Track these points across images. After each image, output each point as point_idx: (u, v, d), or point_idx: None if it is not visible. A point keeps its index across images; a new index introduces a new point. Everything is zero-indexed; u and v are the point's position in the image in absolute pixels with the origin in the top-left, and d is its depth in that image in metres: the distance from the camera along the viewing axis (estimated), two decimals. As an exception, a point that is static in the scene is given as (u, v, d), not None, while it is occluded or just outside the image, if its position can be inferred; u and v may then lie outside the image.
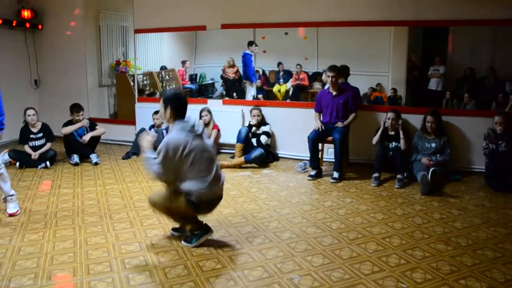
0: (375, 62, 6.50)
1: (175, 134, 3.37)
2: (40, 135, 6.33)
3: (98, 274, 3.14)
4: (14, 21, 7.71)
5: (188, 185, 3.38)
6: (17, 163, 6.19)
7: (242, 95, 7.24)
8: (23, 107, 6.57)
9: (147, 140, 3.52)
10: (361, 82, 6.40)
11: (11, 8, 7.75)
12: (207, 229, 3.63)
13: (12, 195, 4.34)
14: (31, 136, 6.26)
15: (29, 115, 6.26)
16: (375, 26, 6.02)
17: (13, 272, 3.17)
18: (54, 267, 3.25)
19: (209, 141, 3.63)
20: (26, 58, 8.20)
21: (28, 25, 7.94)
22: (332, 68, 5.61)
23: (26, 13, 7.80)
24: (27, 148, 6.25)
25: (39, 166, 6.13)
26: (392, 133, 5.61)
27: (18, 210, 4.35)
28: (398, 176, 5.22)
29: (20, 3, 7.81)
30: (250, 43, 6.96)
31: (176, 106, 3.45)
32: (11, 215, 4.27)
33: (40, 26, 8.16)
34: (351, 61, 6.31)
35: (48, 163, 6.18)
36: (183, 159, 3.33)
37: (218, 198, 3.63)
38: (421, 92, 6.26)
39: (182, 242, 3.63)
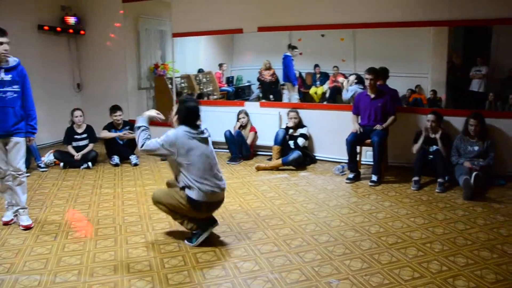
0: (414, 64, 6.38)
1: (173, 131, 3.63)
2: (84, 136, 6.54)
3: (138, 272, 3.21)
4: (59, 28, 8.01)
5: (189, 186, 3.53)
6: (61, 164, 6.40)
7: (278, 97, 7.24)
8: (66, 110, 6.79)
9: (153, 112, 3.98)
10: (399, 84, 6.28)
11: (56, 15, 8.05)
12: (206, 227, 3.71)
13: (26, 208, 4.17)
14: (76, 136, 6.47)
15: (76, 116, 6.49)
16: (415, 27, 5.90)
17: (58, 268, 3.29)
18: (96, 264, 3.34)
19: (211, 147, 3.79)
20: (70, 62, 8.49)
21: (71, 31, 8.22)
22: (371, 70, 5.54)
23: (69, 20, 8.08)
24: (70, 149, 6.45)
25: (82, 167, 6.33)
26: (433, 136, 5.48)
27: (32, 223, 4.12)
28: (439, 180, 5.09)
29: (64, 10, 8.11)
30: (291, 47, 6.97)
31: (183, 115, 3.67)
32: (27, 227, 4.04)
33: (82, 32, 8.43)
34: (389, 62, 6.21)
35: (90, 163, 6.37)
36: (180, 157, 3.52)
37: (219, 201, 3.72)
38: (463, 93, 6.09)
39: (185, 241, 3.72)
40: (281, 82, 7.24)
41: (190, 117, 3.66)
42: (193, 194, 3.51)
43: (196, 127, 3.66)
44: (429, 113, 5.50)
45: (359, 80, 6.47)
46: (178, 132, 3.58)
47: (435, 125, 5.43)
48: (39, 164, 6.27)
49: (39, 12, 7.74)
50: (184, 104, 3.70)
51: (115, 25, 8.17)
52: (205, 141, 3.66)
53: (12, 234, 3.94)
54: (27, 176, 5.76)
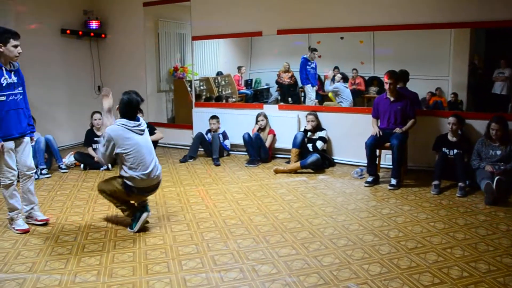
0: (434, 66, 6.28)
1: (109, 128, 4.00)
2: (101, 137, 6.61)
3: (156, 274, 3.23)
4: (80, 31, 8.15)
5: (126, 172, 3.94)
6: (82, 165, 6.49)
7: (297, 100, 7.23)
8: (87, 112, 6.90)
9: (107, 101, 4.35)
10: (419, 86, 6.20)
11: (78, 19, 8.20)
12: (141, 211, 4.07)
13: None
14: (95, 139, 6.55)
15: (95, 119, 6.59)
16: (435, 29, 5.83)
17: (78, 268, 3.33)
18: (115, 265, 3.37)
19: (147, 137, 4.19)
20: (91, 65, 8.63)
21: (92, 34, 8.35)
22: (390, 75, 5.49)
23: (93, 24, 8.22)
24: (90, 151, 6.55)
25: (102, 168, 6.41)
26: (454, 139, 5.41)
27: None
28: (460, 184, 5.02)
29: (86, 14, 8.26)
30: (311, 49, 6.99)
31: (122, 108, 4.07)
32: (46, 221, 4.25)
33: (103, 35, 8.56)
34: (409, 65, 6.14)
35: (110, 165, 6.44)
36: (118, 148, 3.91)
37: (150, 187, 4.09)
38: (485, 96, 5.99)
39: (128, 228, 4.09)
40: (299, 85, 7.23)
41: (128, 110, 4.05)
42: (127, 180, 3.94)
43: (134, 119, 4.05)
44: (450, 116, 5.43)
45: (344, 79, 6.84)
46: (113, 127, 3.97)
47: (456, 128, 5.35)
48: (60, 165, 6.37)
49: (62, 17, 7.91)
50: (124, 97, 4.08)
51: (131, 32, 8.26)
52: (141, 132, 4.06)
53: (34, 234, 4.01)
54: (49, 177, 5.90)
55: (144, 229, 4.10)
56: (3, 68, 3.85)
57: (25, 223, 4.15)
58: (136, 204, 4.23)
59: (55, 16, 7.78)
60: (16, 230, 4.06)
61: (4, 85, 3.84)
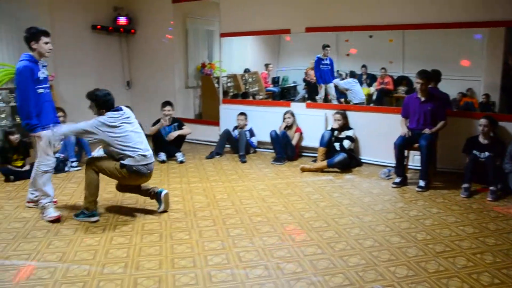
0: (466, 66, 6.15)
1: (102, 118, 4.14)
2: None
3: (182, 268, 3.26)
4: (111, 27, 8.28)
5: (124, 154, 4.13)
6: (110, 159, 6.60)
7: (324, 98, 7.19)
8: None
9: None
10: (450, 86, 6.08)
11: (108, 16, 8.34)
12: (93, 214, 4.20)
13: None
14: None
15: None
16: (468, 28, 5.70)
17: (106, 260, 3.40)
18: (142, 258, 3.43)
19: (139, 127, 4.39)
20: (120, 61, 8.77)
21: (122, 30, 8.48)
22: (422, 75, 5.38)
23: (121, 20, 8.35)
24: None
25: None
26: (485, 141, 5.28)
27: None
28: (491, 188, 4.90)
29: (116, 10, 8.39)
30: (323, 46, 6.99)
31: (105, 104, 4.22)
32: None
33: (133, 31, 8.67)
34: (440, 64, 6.01)
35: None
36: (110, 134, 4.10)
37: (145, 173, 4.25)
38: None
39: (73, 215, 4.29)
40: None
41: (109, 103, 4.24)
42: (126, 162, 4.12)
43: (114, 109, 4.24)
44: (481, 118, 5.31)
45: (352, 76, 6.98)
46: (102, 119, 4.14)
47: (488, 130, 5.23)
48: (90, 158, 6.48)
49: (93, 13, 8.06)
50: (98, 93, 4.23)
51: (161, 29, 8.35)
52: (129, 121, 4.27)
53: (64, 225, 4.11)
54: (79, 169, 6.02)
55: (170, 224, 4.15)
56: (39, 63, 4.19)
57: (55, 211, 4.28)
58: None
59: (86, 12, 7.93)
60: (49, 217, 4.20)
61: (41, 78, 4.20)
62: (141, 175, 4.23)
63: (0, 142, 5.97)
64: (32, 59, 4.13)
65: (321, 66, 7.09)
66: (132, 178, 4.23)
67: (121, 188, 4.58)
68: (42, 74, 4.20)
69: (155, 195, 4.48)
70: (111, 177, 4.25)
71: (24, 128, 4.24)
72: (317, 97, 7.17)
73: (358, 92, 6.88)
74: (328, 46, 6.97)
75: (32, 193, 4.54)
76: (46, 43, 4.16)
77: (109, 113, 4.14)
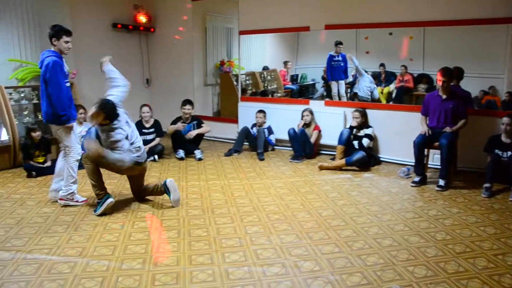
0: (487, 63, 6.01)
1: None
2: (152, 130, 6.79)
3: (199, 265, 3.28)
4: (130, 26, 8.36)
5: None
6: (130, 156, 6.67)
7: (327, 95, 7.16)
8: (135, 104, 7.08)
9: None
10: (471, 84, 5.97)
11: (128, 14, 8.42)
12: (107, 197, 4.31)
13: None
14: (143, 130, 6.72)
15: (143, 112, 6.77)
16: (490, 24, 5.59)
17: (124, 255, 3.44)
18: (160, 254, 3.45)
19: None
20: (140, 59, 8.85)
21: (142, 28, 8.55)
22: (444, 73, 5.30)
23: (141, 18, 8.42)
24: (138, 142, 6.72)
25: (148, 159, 6.55)
26: (508, 140, 5.18)
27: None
28: (514, 187, 4.82)
29: (136, 9, 8.47)
30: (335, 43, 6.99)
31: (113, 112, 4.43)
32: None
33: (152, 29, 8.74)
34: (461, 62, 5.91)
35: (156, 156, 6.59)
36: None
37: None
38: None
39: (92, 212, 4.35)
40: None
41: (110, 116, 4.39)
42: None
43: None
44: (504, 116, 5.21)
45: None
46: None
47: (511, 129, 5.13)
48: (110, 155, 6.56)
49: (113, 11, 8.14)
50: (108, 105, 4.40)
51: (184, 22, 8.40)
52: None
53: (84, 220, 4.17)
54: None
55: (188, 220, 4.18)
56: (63, 59, 4.45)
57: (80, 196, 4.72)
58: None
59: (107, 10, 8.03)
60: (81, 201, 4.64)
61: (67, 73, 4.51)
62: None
63: (22, 138, 6.07)
64: (58, 54, 4.37)
65: (332, 63, 7.08)
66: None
67: (137, 196, 4.80)
68: (66, 69, 4.49)
69: (162, 187, 4.59)
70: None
71: (59, 119, 4.40)
72: (333, 94, 7.13)
73: (363, 86, 6.82)
74: (340, 43, 6.95)
75: (55, 184, 4.74)
76: (66, 42, 4.39)
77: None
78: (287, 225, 4.05)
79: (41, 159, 5.86)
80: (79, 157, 4.62)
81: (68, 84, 4.52)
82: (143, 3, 8.59)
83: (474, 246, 3.61)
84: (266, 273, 3.16)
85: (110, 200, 4.30)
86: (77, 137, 4.72)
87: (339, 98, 7.10)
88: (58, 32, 4.35)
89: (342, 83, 7.13)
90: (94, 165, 4.33)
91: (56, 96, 4.32)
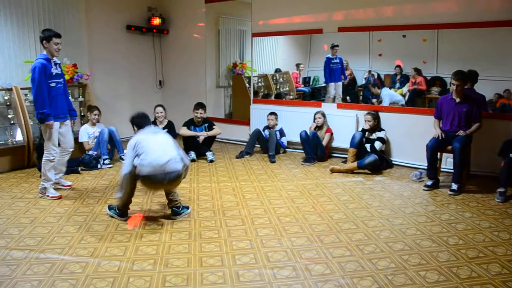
0: (502, 66, 5.93)
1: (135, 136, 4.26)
2: (165, 131, 6.79)
3: (210, 267, 3.28)
4: (144, 28, 8.43)
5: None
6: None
7: (355, 99, 7.12)
8: (149, 105, 7.15)
9: None
10: (486, 87, 5.91)
11: (142, 16, 8.49)
12: (124, 216, 4.29)
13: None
14: (157, 131, 6.77)
15: (157, 112, 6.84)
16: (505, 27, 5.52)
17: (136, 256, 3.46)
18: (171, 256, 3.47)
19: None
20: (153, 60, 8.91)
21: (155, 30, 8.62)
22: (458, 76, 5.24)
23: (155, 21, 8.50)
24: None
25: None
26: (523, 144, 5.12)
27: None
28: (528, 192, 4.75)
29: (150, 11, 8.53)
30: (331, 46, 7.07)
31: (134, 123, 4.47)
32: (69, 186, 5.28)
33: (165, 31, 8.80)
34: (475, 64, 5.85)
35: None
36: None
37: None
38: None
39: (106, 208, 4.43)
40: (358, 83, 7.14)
41: (139, 125, 4.44)
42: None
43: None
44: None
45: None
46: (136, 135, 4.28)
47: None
48: (121, 156, 6.61)
49: (127, 13, 8.22)
50: (133, 119, 4.49)
51: (198, 24, 8.45)
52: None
53: (96, 221, 4.20)
54: (111, 167, 6.15)
55: (199, 222, 4.19)
56: (51, 61, 4.79)
57: (56, 191, 5.00)
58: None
59: (122, 13, 8.10)
60: (51, 197, 4.89)
61: (53, 74, 4.79)
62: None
63: (37, 139, 6.14)
64: (46, 57, 4.73)
65: (331, 65, 7.12)
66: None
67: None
68: (54, 70, 4.81)
69: (177, 208, 4.37)
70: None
71: (37, 117, 4.74)
72: (374, 101, 7.09)
73: (385, 96, 6.84)
74: (336, 45, 7.05)
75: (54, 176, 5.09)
76: (56, 43, 4.73)
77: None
78: (298, 228, 4.05)
79: (54, 159, 5.91)
80: (52, 159, 4.89)
81: (54, 84, 4.78)
82: (157, 6, 8.65)
83: (488, 251, 3.57)
84: (276, 275, 3.15)
85: (124, 219, 4.27)
86: (57, 139, 4.92)
87: (334, 100, 7.18)
88: (48, 36, 4.69)
89: (339, 84, 7.19)
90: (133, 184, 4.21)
91: (34, 96, 4.67)
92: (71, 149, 5.22)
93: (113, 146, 6.61)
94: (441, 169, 5.73)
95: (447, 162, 5.81)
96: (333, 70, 7.14)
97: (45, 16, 6.72)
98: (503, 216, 4.38)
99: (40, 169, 5.75)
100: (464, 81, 5.31)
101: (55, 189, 5.07)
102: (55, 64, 4.86)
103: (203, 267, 3.28)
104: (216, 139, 7.34)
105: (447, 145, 5.34)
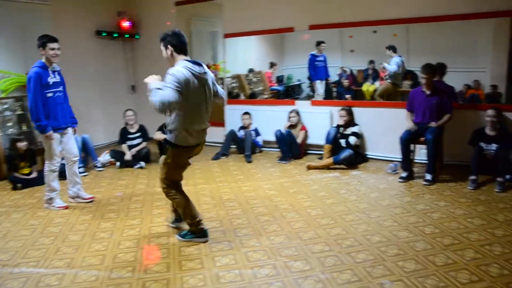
0: (471, 58, 6.07)
1: (177, 69, 3.40)
2: (137, 135, 6.78)
3: (189, 270, 3.26)
4: (114, 33, 8.32)
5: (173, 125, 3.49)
6: (117, 163, 6.64)
7: (329, 95, 7.17)
8: (121, 111, 7.05)
9: (154, 78, 3.58)
10: (455, 79, 6.02)
11: (112, 21, 8.38)
12: (203, 235, 3.76)
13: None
14: (129, 136, 6.71)
15: (128, 116, 6.77)
16: (473, 19, 5.65)
17: (114, 264, 3.41)
18: (150, 261, 3.43)
19: (218, 89, 3.91)
20: (124, 65, 8.81)
21: (126, 35, 8.51)
22: (426, 70, 5.35)
23: (125, 24, 8.38)
24: (124, 148, 6.72)
25: (135, 167, 6.53)
26: (492, 133, 5.23)
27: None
28: (499, 179, 4.85)
29: (119, 15, 8.43)
30: (317, 43, 7.05)
31: (174, 43, 3.59)
32: (91, 199, 5.00)
33: (137, 36, 8.71)
34: (445, 57, 5.96)
35: (143, 163, 6.56)
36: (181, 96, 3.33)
37: (193, 147, 3.65)
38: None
39: (176, 236, 3.86)
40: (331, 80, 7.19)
41: (181, 45, 3.65)
42: (173, 130, 3.51)
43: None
44: (489, 109, 5.26)
45: (394, 50, 6.53)
46: (179, 69, 3.42)
47: (496, 121, 5.19)
48: (96, 164, 6.53)
49: (96, 18, 8.09)
50: (170, 34, 3.66)
51: (167, 23, 8.35)
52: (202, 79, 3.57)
53: (72, 231, 4.13)
54: (85, 175, 6.06)
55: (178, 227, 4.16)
56: (49, 69, 4.53)
57: (63, 201, 4.83)
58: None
59: (90, 18, 7.97)
60: (58, 207, 4.76)
61: (51, 83, 4.54)
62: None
63: (7, 150, 6.01)
64: (43, 65, 4.49)
65: (316, 63, 7.13)
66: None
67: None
68: (52, 79, 4.54)
69: (173, 222, 4.11)
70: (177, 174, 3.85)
71: (36, 129, 4.59)
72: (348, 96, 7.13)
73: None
74: (323, 42, 7.03)
75: (70, 190, 4.99)
76: (52, 48, 4.47)
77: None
78: (276, 226, 4.05)
79: (26, 171, 5.78)
80: (55, 169, 4.71)
81: (51, 94, 4.54)
82: (126, 10, 8.55)
83: (462, 238, 3.64)
84: (257, 275, 3.15)
85: (205, 240, 3.77)
86: (59, 149, 4.70)
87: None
88: (43, 42, 4.45)
89: (324, 82, 7.19)
90: (180, 194, 3.80)
91: (30, 107, 4.47)
92: (75, 158, 4.91)
93: (87, 154, 6.51)
94: (415, 161, 5.82)
95: (420, 153, 5.90)
96: (317, 67, 7.15)
97: (11, 23, 6.57)
98: (475, 203, 4.47)
99: (12, 181, 5.65)
100: (433, 74, 5.40)
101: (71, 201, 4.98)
102: (54, 71, 4.60)
103: (182, 271, 3.25)
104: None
105: (419, 137, 5.43)
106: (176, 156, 3.64)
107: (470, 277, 2.98)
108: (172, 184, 3.77)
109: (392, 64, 6.57)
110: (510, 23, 5.56)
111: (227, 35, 7.74)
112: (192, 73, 3.42)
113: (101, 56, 8.23)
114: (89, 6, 7.94)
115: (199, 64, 3.54)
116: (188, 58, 3.57)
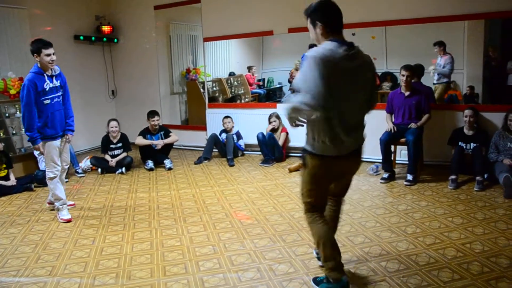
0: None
1: (317, 49, 2.54)
2: (119, 145, 6.67)
3: (174, 275, 3.24)
4: (93, 37, 8.22)
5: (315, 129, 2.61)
6: (99, 169, 6.55)
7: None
8: (102, 116, 6.97)
9: None
10: (433, 80, 6.14)
11: (90, 25, 8.29)
12: (343, 284, 2.74)
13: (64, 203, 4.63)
14: (111, 146, 6.62)
15: (111, 127, 6.63)
16: (448, 21, 5.75)
17: (97, 271, 3.36)
18: (133, 267, 3.40)
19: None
20: (104, 70, 8.71)
21: (105, 39, 8.43)
22: (407, 67, 5.44)
23: (104, 29, 8.29)
24: (107, 157, 6.62)
25: (117, 172, 6.46)
26: (470, 132, 5.33)
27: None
28: (478, 178, 4.94)
29: (98, 20, 8.34)
30: (311, 46, 6.98)
31: (326, 20, 2.61)
32: (68, 220, 4.51)
33: (116, 40, 8.63)
34: (422, 59, 6.09)
35: (124, 169, 6.49)
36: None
37: (342, 157, 2.75)
38: (500, 88, 5.90)
39: (312, 284, 3.00)
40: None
41: (335, 22, 2.61)
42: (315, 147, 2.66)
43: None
44: (466, 109, 5.36)
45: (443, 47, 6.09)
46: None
47: (473, 120, 5.29)
48: (77, 170, 6.44)
49: (75, 23, 7.98)
50: (321, 7, 2.67)
51: (148, 31, 8.32)
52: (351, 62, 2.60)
53: (53, 238, 4.06)
54: (66, 181, 5.96)
55: (160, 231, 4.13)
56: (45, 75, 4.34)
57: (68, 213, 4.57)
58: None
59: (68, 22, 7.86)
60: (61, 219, 4.52)
61: (47, 89, 4.35)
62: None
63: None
64: (39, 71, 4.32)
65: None
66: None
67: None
68: (48, 85, 4.35)
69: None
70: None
71: (28, 140, 4.45)
72: None
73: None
74: (315, 45, 6.99)
75: (51, 196, 4.74)
76: (47, 55, 4.28)
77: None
78: (260, 229, 4.05)
79: (3, 173, 5.66)
80: (54, 176, 4.51)
81: (48, 101, 4.37)
82: (105, 14, 8.47)
83: (443, 237, 3.69)
84: (241, 278, 3.15)
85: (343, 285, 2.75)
86: (58, 157, 4.53)
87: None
88: (36, 48, 4.26)
89: None
90: (323, 222, 2.86)
91: (22, 115, 4.35)
92: (66, 166, 4.79)
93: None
94: (396, 161, 5.89)
95: (401, 154, 5.97)
96: None
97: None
98: (455, 202, 4.55)
99: None
100: (413, 73, 5.49)
101: (52, 210, 4.81)
102: (51, 76, 4.39)
103: (166, 276, 3.23)
104: (173, 146, 7.26)
105: (400, 138, 5.50)
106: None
107: (452, 276, 3.03)
108: None
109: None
110: (484, 25, 5.69)
111: (206, 39, 7.72)
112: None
113: (80, 60, 8.13)
114: (67, 10, 7.83)
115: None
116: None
